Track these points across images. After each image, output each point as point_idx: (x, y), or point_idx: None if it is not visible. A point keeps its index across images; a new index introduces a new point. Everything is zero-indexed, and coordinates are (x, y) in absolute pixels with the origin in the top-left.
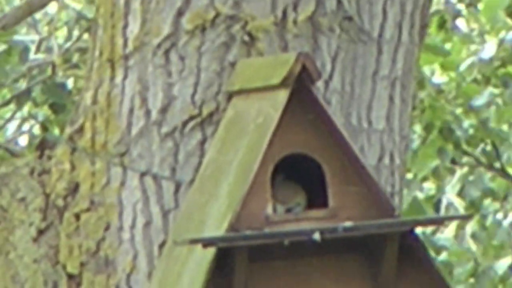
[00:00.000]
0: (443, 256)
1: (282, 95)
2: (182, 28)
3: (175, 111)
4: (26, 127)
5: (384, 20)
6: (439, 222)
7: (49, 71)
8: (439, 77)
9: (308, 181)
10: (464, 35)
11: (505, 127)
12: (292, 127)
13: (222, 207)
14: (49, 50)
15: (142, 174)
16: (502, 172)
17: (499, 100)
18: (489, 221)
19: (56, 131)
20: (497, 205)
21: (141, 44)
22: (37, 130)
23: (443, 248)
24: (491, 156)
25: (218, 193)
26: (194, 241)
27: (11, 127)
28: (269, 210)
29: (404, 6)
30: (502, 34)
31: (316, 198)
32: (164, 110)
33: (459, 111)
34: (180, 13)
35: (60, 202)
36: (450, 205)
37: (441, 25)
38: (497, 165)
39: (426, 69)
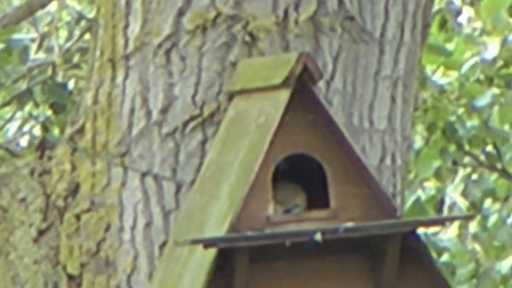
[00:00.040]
0: (446, 257)
1: (284, 95)
2: (183, 28)
3: (176, 111)
4: (27, 127)
5: (386, 20)
6: (441, 222)
7: (49, 71)
8: (441, 77)
9: (309, 182)
10: (466, 35)
11: (506, 127)
12: (293, 128)
13: (223, 207)
14: (49, 50)
15: (143, 175)
16: (503, 172)
17: (502, 100)
18: (490, 222)
19: (57, 131)
20: (497, 206)
21: (142, 44)
22: (38, 130)
23: (445, 249)
24: (492, 157)
25: (219, 194)
26: (195, 242)
27: (12, 127)
28: (270, 210)
29: (406, 6)
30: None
31: (318, 199)
32: (165, 110)
33: (461, 111)
34: (181, 13)
35: (60, 203)
36: (453, 205)
37: (442, 25)
38: (499, 165)
39: (428, 69)
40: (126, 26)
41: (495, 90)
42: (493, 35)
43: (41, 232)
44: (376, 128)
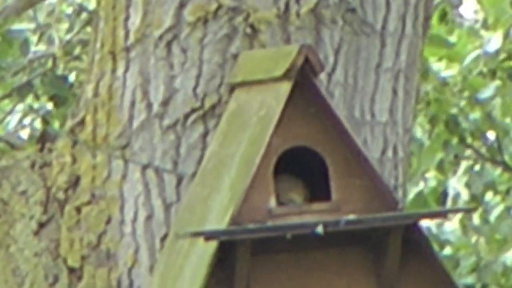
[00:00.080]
0: (448, 249)
1: (285, 88)
2: (184, 20)
3: (177, 103)
4: (28, 120)
5: (388, 12)
6: (443, 215)
7: (50, 63)
8: (443, 69)
9: (311, 174)
10: (468, 27)
11: (507, 120)
12: (294, 120)
13: (224, 200)
14: (50, 42)
15: (144, 167)
16: (504, 165)
17: (505, 92)
18: (492, 215)
19: (57, 124)
20: (498, 198)
21: (142, 36)
22: (39, 123)
23: (447, 241)
24: (493, 149)
25: (220, 186)
26: (196, 234)
27: (13, 120)
28: (272, 203)
29: None
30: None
31: (319, 191)
32: (165, 102)
33: (463, 103)
34: (182, 5)
35: (61, 195)
36: (457, 196)
37: (442, 17)
38: (499, 158)
39: (431, 61)
40: (127, 18)
41: (498, 83)
42: (496, 28)
43: (41, 225)
44: (378, 121)
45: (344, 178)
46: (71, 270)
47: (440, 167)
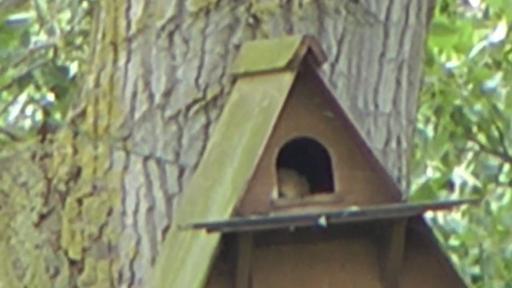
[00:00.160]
0: (453, 239)
1: (288, 78)
2: (186, 10)
3: (179, 94)
4: (29, 111)
5: (391, 2)
6: (447, 207)
7: (51, 53)
8: (449, 60)
9: (314, 166)
10: (473, 18)
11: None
12: (297, 111)
13: (226, 191)
14: (51, 32)
15: (146, 158)
16: (506, 156)
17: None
18: (494, 206)
19: (58, 115)
20: (500, 190)
21: (144, 27)
22: (40, 114)
23: (453, 231)
24: (495, 141)
25: (222, 178)
26: (198, 226)
27: (14, 111)
28: (274, 194)
29: None
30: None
31: (322, 183)
32: (167, 93)
33: (468, 94)
34: None
35: (62, 187)
36: (464, 184)
37: (444, 8)
38: (501, 149)
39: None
40: (128, 8)
41: (502, 74)
42: (500, 18)
43: (42, 217)
44: (381, 111)
45: (347, 170)
46: (72, 262)
47: (445, 159)
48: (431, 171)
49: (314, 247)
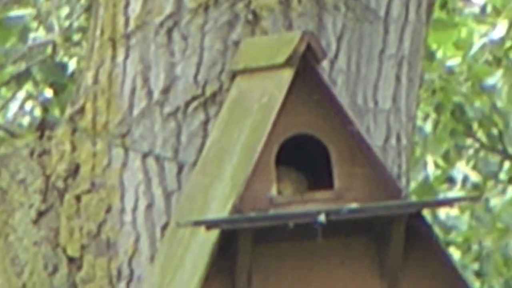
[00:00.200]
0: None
1: (287, 75)
2: (185, 6)
3: (178, 91)
4: (28, 107)
5: None
6: (447, 204)
7: (49, 50)
8: (449, 57)
9: (313, 163)
10: (472, 15)
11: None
12: (297, 107)
13: (225, 188)
14: (50, 28)
15: (144, 155)
16: (505, 154)
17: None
18: (493, 204)
19: (57, 112)
20: (499, 188)
21: (143, 23)
22: (38, 111)
23: (453, 228)
24: (494, 138)
25: (221, 175)
26: (197, 223)
27: (13, 108)
28: (274, 191)
29: None
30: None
31: (322, 180)
32: (166, 90)
33: (468, 91)
34: None
35: (60, 184)
36: (466, 179)
37: (443, 5)
38: (499, 147)
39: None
40: (127, 5)
41: (503, 71)
42: (499, 14)
43: (40, 214)
44: (381, 108)
45: (346, 166)
46: (71, 260)
47: (446, 156)
48: (432, 168)
49: (314, 244)
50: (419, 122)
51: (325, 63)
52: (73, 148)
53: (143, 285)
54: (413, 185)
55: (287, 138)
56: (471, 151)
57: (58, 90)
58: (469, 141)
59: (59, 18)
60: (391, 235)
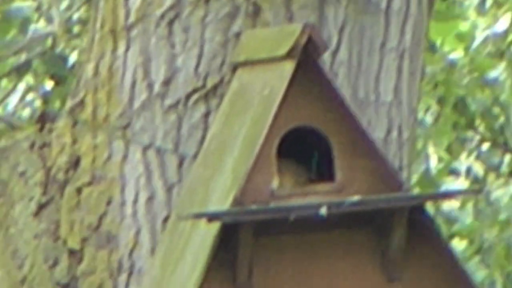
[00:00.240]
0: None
1: (288, 67)
2: None
3: (179, 83)
4: (28, 99)
5: None
6: (449, 196)
7: (49, 42)
8: (451, 50)
9: (314, 155)
10: (472, 7)
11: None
12: (298, 100)
13: (226, 181)
14: (50, 20)
15: (145, 148)
16: (506, 147)
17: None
18: (494, 196)
19: (58, 104)
20: (501, 181)
21: (143, 15)
22: (39, 103)
23: (456, 220)
24: (496, 131)
25: (222, 167)
26: (198, 216)
27: (13, 100)
28: (275, 184)
29: None
30: None
31: (323, 172)
32: (167, 82)
33: (471, 84)
34: None
35: (61, 176)
36: (469, 170)
37: None
38: (501, 140)
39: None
40: None
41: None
42: (499, 7)
43: (41, 206)
44: (383, 101)
45: (348, 159)
46: (72, 252)
47: (449, 149)
48: (435, 161)
49: (315, 237)
50: (420, 115)
51: (326, 56)
52: (74, 141)
53: (144, 277)
54: (414, 177)
55: (288, 131)
56: (473, 144)
57: (59, 82)
58: (471, 134)
59: (59, 10)
60: (392, 228)
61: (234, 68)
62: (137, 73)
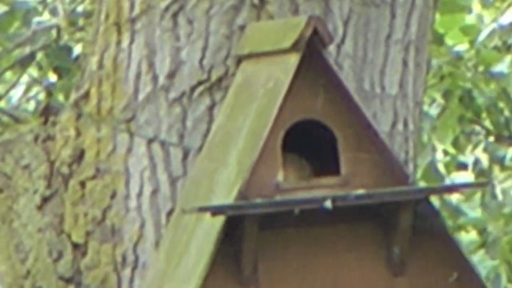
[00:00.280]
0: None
1: (293, 60)
2: None
3: (183, 76)
4: (32, 93)
5: None
6: (454, 190)
7: (53, 34)
8: (456, 43)
9: (320, 148)
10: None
11: None
12: (303, 93)
13: (231, 174)
14: (54, 12)
15: (149, 141)
16: (510, 140)
17: None
18: (499, 190)
19: (61, 97)
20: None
21: (148, 7)
22: (43, 96)
23: (461, 212)
24: (501, 125)
25: (227, 160)
26: (202, 209)
27: (17, 93)
28: (280, 177)
29: None
30: None
31: (328, 166)
32: (171, 75)
33: (475, 77)
34: None
35: (65, 170)
36: (477, 161)
37: None
38: (506, 133)
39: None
40: None
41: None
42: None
43: (45, 200)
44: (388, 93)
45: (353, 152)
46: (76, 246)
47: (456, 143)
48: (441, 155)
49: (320, 230)
50: (425, 108)
51: (331, 48)
52: (78, 134)
53: (148, 271)
54: (419, 170)
55: (293, 124)
56: (478, 138)
57: (62, 74)
58: (476, 127)
59: (63, 2)
60: (398, 221)
61: (239, 60)
62: (141, 65)
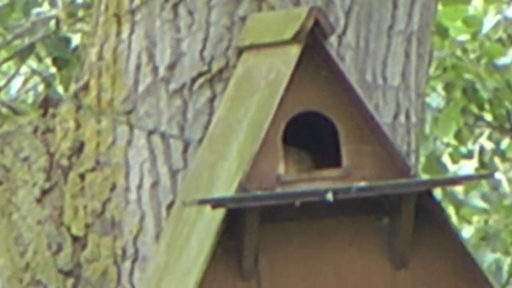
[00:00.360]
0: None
1: (294, 51)
2: None
3: (184, 67)
4: (31, 84)
5: None
6: (457, 182)
7: (53, 25)
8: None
9: (321, 140)
10: None
11: None
12: (304, 84)
13: (232, 166)
14: (53, 3)
15: (150, 133)
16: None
17: None
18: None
19: (61, 88)
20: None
21: None
22: (42, 87)
23: (463, 203)
24: (502, 118)
25: (228, 153)
26: (203, 202)
27: (16, 84)
28: (281, 169)
29: None
30: None
31: (330, 158)
32: (172, 66)
33: (478, 69)
34: None
35: (64, 162)
36: (482, 149)
37: None
38: (507, 125)
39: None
40: None
41: None
42: None
43: (44, 192)
44: (390, 85)
45: (355, 144)
46: (75, 239)
47: (458, 135)
48: (443, 147)
49: (322, 223)
50: (427, 99)
51: (333, 39)
52: (77, 126)
53: (149, 264)
54: (421, 160)
55: (295, 115)
56: (481, 130)
57: (62, 65)
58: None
59: None
60: (400, 214)
61: (240, 52)
62: (141, 57)
